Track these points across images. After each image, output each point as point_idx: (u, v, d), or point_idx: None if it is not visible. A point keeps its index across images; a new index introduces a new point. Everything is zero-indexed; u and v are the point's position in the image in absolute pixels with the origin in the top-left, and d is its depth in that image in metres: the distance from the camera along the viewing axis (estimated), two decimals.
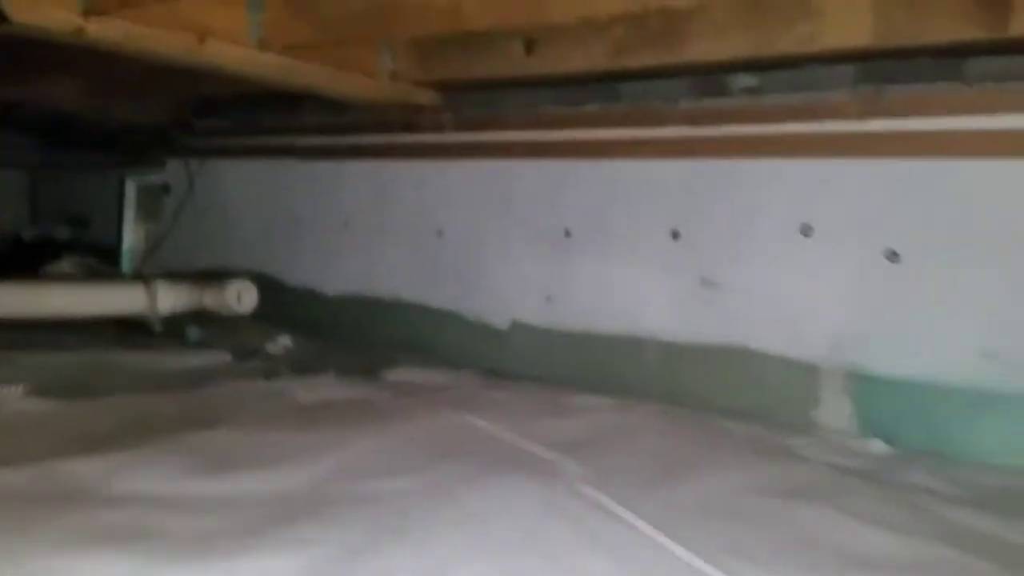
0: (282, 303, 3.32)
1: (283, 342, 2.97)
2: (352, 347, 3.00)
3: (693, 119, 2.32)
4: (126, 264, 4.65)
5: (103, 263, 4.34)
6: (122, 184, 4.73)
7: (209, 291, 2.83)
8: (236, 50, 2.35)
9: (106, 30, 2.11)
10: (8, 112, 4.39)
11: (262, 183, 3.43)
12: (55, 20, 2.04)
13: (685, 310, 2.27)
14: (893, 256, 1.91)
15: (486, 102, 2.81)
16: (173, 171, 3.85)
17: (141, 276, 2.71)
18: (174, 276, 3.02)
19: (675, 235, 2.30)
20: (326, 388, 2.32)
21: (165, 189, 3.89)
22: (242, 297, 2.84)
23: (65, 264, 3.52)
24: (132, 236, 4.70)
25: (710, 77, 2.34)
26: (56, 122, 4.55)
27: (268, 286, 3.35)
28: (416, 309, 2.92)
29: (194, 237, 3.73)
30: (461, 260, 2.80)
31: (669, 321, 2.30)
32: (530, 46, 2.42)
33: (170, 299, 2.72)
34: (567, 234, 2.53)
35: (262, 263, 3.41)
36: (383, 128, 3.02)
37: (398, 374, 2.55)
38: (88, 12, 2.05)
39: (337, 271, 3.16)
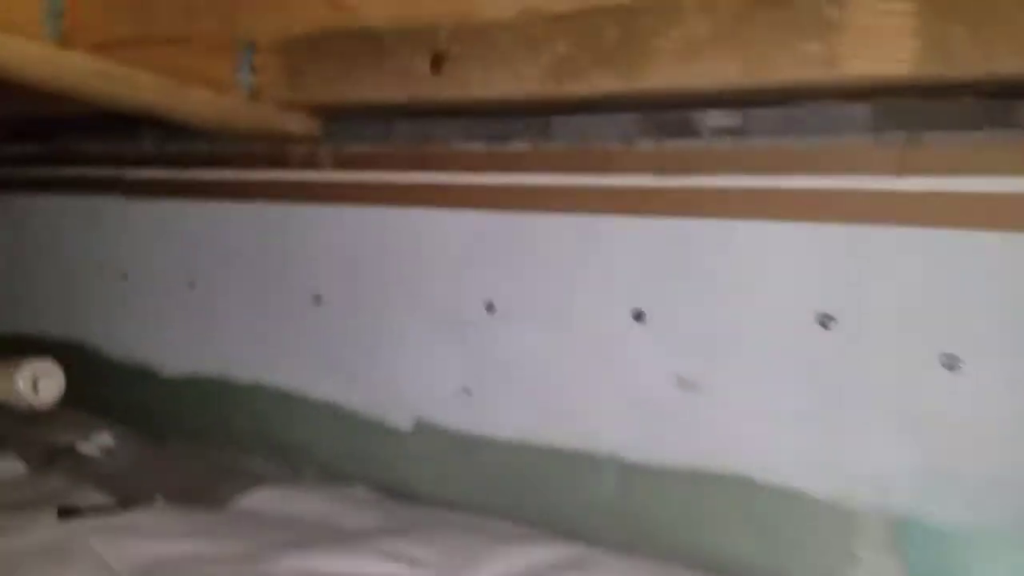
0: (103, 383, 2.55)
1: (101, 440, 2.22)
2: (195, 448, 2.28)
3: (656, 164, 1.78)
4: None
5: None
6: None
7: None
8: (21, 45, 1.64)
9: None
10: None
11: (81, 226, 2.66)
12: None
13: (655, 420, 1.70)
14: (952, 361, 1.41)
15: (377, 133, 2.19)
16: None
17: None
18: None
19: (638, 316, 1.73)
20: (147, 535, 1.61)
21: None
22: (40, 385, 2.07)
23: None
24: None
25: (677, 111, 1.82)
26: None
27: (84, 360, 2.58)
28: (283, 399, 2.23)
29: None
30: (346, 336, 2.14)
31: (632, 433, 1.72)
32: (438, 61, 1.82)
33: None
34: (490, 308, 1.93)
35: (78, 330, 2.63)
36: (244, 162, 2.34)
37: (257, 498, 1.87)
38: None
39: (178, 344, 2.43)
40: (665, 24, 1.58)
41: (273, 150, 2.29)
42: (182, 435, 2.39)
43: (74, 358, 2.56)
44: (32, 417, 2.22)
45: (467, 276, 1.97)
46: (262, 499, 1.84)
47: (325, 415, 2.15)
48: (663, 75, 1.58)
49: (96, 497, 1.81)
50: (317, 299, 2.20)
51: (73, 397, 2.29)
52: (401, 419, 2.04)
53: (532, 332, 1.89)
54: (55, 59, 1.69)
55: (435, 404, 2.00)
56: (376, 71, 1.88)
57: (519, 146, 1.95)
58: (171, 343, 2.44)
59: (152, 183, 2.51)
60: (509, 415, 1.90)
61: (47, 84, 1.83)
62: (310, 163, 2.25)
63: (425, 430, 2.01)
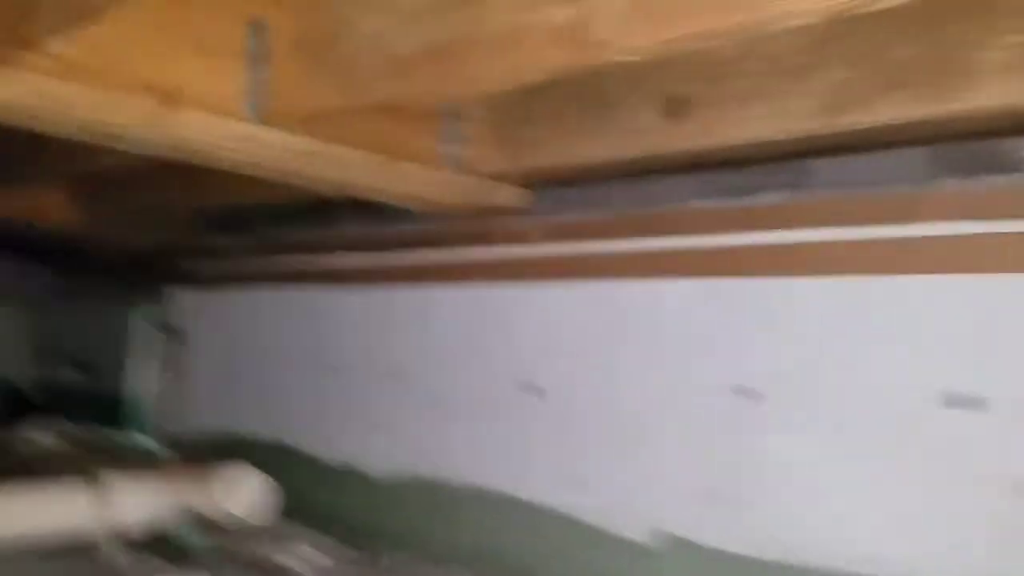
0: (309, 485, 2.38)
1: (308, 555, 2.03)
2: (410, 563, 2.04)
3: (966, 208, 1.40)
4: (131, 421, 3.80)
5: (97, 422, 3.50)
6: (126, 321, 3.95)
7: (193, 486, 1.92)
8: (222, 124, 1.52)
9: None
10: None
11: (284, 318, 2.57)
12: None
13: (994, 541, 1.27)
14: None
15: (593, 199, 1.93)
16: (178, 304, 3.03)
17: (87, 473, 1.81)
18: (150, 458, 2.13)
19: (955, 403, 1.33)
20: None
21: (167, 328, 3.06)
22: (238, 495, 1.91)
23: (31, 429, 2.66)
24: (138, 386, 3.87)
25: (982, 142, 1.44)
26: (56, 247, 3.83)
27: (289, 461, 2.44)
28: (505, 505, 1.95)
29: (200, 391, 2.86)
30: (571, 431, 1.86)
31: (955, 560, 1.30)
32: (676, 107, 1.54)
33: (130, 508, 1.80)
34: (748, 395, 1.58)
35: (282, 428, 2.51)
36: (448, 241, 2.15)
37: None
38: None
39: (386, 442, 2.23)
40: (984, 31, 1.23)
41: (479, 226, 2.09)
42: (394, 544, 2.16)
43: (278, 459, 2.44)
44: (235, 530, 2.06)
45: (714, 356, 1.63)
46: None
47: (552, 525, 1.85)
48: (988, 93, 1.22)
49: None
50: (536, 389, 1.93)
51: (285, 500, 2.13)
52: (636, 530, 1.70)
53: (798, 425, 1.52)
54: (258, 138, 1.56)
55: (676, 512, 1.65)
56: (598, 126, 1.63)
57: (770, 199, 1.62)
58: (378, 441, 2.25)
59: (355, 270, 2.38)
60: (767, 527, 1.52)
61: (249, 166, 1.72)
62: (519, 237, 2.02)
63: (668, 544, 1.66)
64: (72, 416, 3.57)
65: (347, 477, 2.31)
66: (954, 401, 1.31)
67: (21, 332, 4.33)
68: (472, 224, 2.10)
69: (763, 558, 1.53)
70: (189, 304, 2.94)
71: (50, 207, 3.00)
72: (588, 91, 1.63)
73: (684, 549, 1.64)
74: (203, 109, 1.49)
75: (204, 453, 2.70)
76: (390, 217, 2.34)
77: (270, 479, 1.95)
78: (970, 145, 1.43)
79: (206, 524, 2.01)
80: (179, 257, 3.09)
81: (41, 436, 2.61)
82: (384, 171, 1.77)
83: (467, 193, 1.91)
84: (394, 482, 2.19)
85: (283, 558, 1.95)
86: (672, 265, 1.74)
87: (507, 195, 1.99)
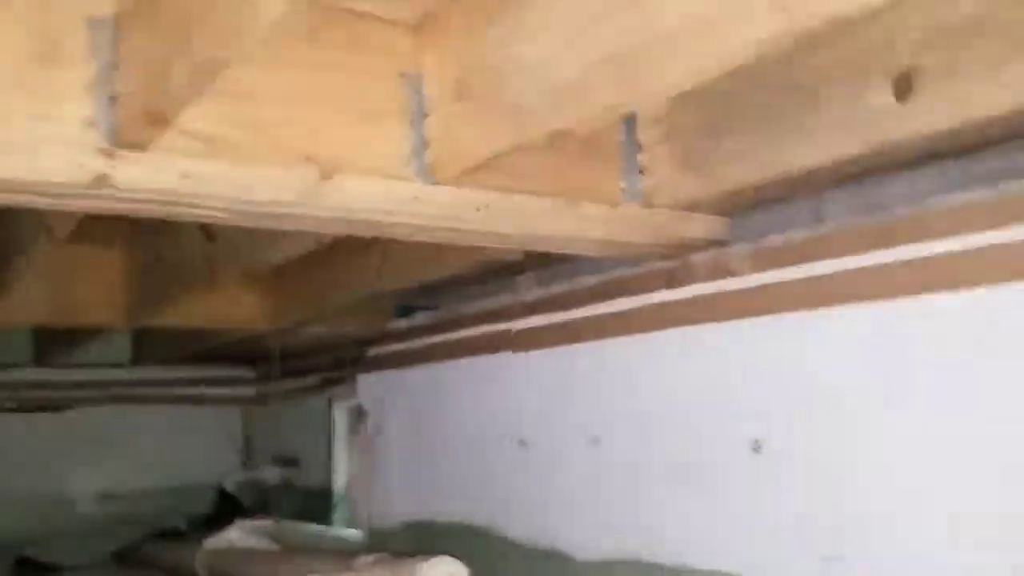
0: (514, 572, 2.19)
1: None
2: None
3: None
4: (339, 513, 3.80)
5: (306, 518, 3.50)
6: (329, 413, 3.99)
7: None
8: (387, 188, 1.40)
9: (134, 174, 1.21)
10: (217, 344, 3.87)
11: (473, 392, 2.43)
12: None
13: None
14: None
15: (804, 217, 1.67)
16: (368, 391, 2.98)
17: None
18: (352, 553, 2.02)
19: None
20: None
21: (359, 416, 3.01)
22: None
23: (234, 534, 2.65)
24: (344, 476, 3.88)
25: None
26: (252, 347, 3.96)
27: (490, 546, 2.26)
28: None
29: (394, 477, 2.76)
30: (807, 497, 1.55)
31: None
32: (907, 83, 1.26)
33: None
34: None
35: (478, 510, 2.33)
36: (639, 287, 1.93)
37: None
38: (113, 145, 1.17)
39: (588, 520, 2.00)
40: None
41: (672, 265, 1.87)
42: None
43: (476, 543, 2.26)
44: None
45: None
46: None
47: None
48: None
49: None
50: (756, 446, 1.65)
51: None
52: None
53: None
54: (426, 197, 1.43)
55: None
56: (805, 121, 1.38)
57: None
58: (581, 519, 2.02)
59: (540, 331, 2.21)
60: None
61: (421, 231, 1.59)
62: (720, 271, 1.77)
63: None
64: (281, 514, 3.61)
65: (550, 560, 2.09)
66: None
67: (228, 435, 4.49)
68: (666, 266, 1.88)
69: None
70: (378, 390, 2.88)
71: (238, 309, 3.06)
72: (790, 85, 1.39)
73: None
74: (365, 174, 1.39)
75: (402, 542, 2.58)
76: (573, 271, 2.17)
77: (468, 569, 1.78)
78: None
79: None
80: (368, 344, 3.07)
81: (244, 538, 2.59)
82: (562, 216, 1.60)
83: (656, 229, 1.70)
84: (602, 564, 1.95)
85: None
86: (921, 280, 1.43)
87: (700, 226, 1.76)
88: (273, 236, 2.10)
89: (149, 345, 4.38)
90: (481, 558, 2.20)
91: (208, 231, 2.41)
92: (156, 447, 4.22)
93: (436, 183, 1.42)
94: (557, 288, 2.21)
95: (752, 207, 1.75)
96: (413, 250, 2.38)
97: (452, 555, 2.14)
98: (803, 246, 1.62)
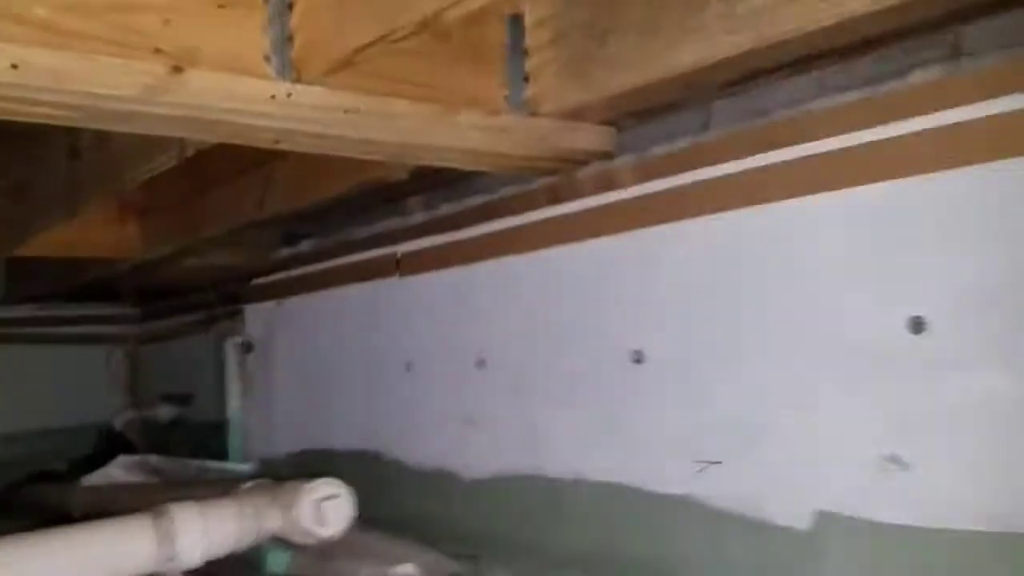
0: (399, 495, 2.16)
1: (403, 570, 1.78)
2: (527, 568, 1.77)
3: None
4: (234, 447, 3.67)
5: (201, 455, 3.37)
6: (220, 346, 3.84)
7: (275, 508, 1.71)
8: (249, 87, 1.29)
9: None
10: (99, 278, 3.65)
11: (362, 318, 2.35)
12: None
13: None
14: None
15: (690, 125, 1.64)
16: (255, 322, 2.87)
17: (153, 507, 1.61)
18: (236, 484, 1.94)
19: None
20: None
21: (246, 347, 2.90)
22: (326, 512, 1.69)
23: (114, 470, 2.52)
24: (237, 410, 3.74)
25: None
26: (131, 281, 3.76)
27: (377, 470, 2.22)
28: (618, 497, 1.66)
29: (284, 408, 2.68)
30: (689, 402, 1.56)
31: None
32: None
33: (199, 539, 1.59)
34: (917, 328, 1.25)
35: (366, 435, 2.28)
36: (525, 204, 1.88)
37: None
38: None
39: (478, 440, 1.98)
40: None
41: (559, 181, 1.82)
42: (497, 551, 1.90)
43: (368, 468, 2.22)
44: (320, 550, 1.84)
45: (886, 284, 1.30)
46: None
47: (680, 516, 1.55)
48: None
49: None
50: (643, 358, 1.64)
51: (367, 516, 1.91)
52: (789, 513, 1.38)
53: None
54: (288, 98, 1.33)
55: (842, 485, 1.33)
56: (689, 20, 1.33)
57: (922, 77, 1.30)
58: (469, 439, 2.00)
59: (426, 254, 2.14)
60: (968, 497, 1.19)
61: (285, 136, 1.49)
62: (605, 184, 1.73)
63: (834, 526, 1.34)
64: (175, 453, 3.48)
65: (440, 481, 2.06)
66: None
67: (113, 375, 4.29)
68: (551, 182, 1.83)
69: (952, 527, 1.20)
70: (265, 321, 2.77)
71: (109, 238, 2.88)
72: None
73: (851, 529, 1.31)
74: (221, 69, 1.27)
75: (292, 471, 2.51)
76: (461, 193, 2.11)
77: (354, 491, 1.73)
78: None
79: (290, 546, 1.81)
80: (254, 275, 2.94)
81: (126, 475, 2.47)
82: (439, 124, 1.52)
83: (540, 140, 1.64)
84: (492, 483, 1.93)
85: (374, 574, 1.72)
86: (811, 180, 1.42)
87: (587, 137, 1.71)
88: (137, 151, 1.96)
89: (23, 281, 4.11)
90: (370, 482, 2.15)
91: (73, 148, 2.24)
92: (35, 389, 3.99)
93: (300, 82, 1.32)
94: (444, 210, 2.14)
95: (639, 118, 1.71)
96: (296, 175, 2.28)
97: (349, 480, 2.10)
98: (687, 154, 1.59)
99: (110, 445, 4.03)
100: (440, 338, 2.07)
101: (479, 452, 1.95)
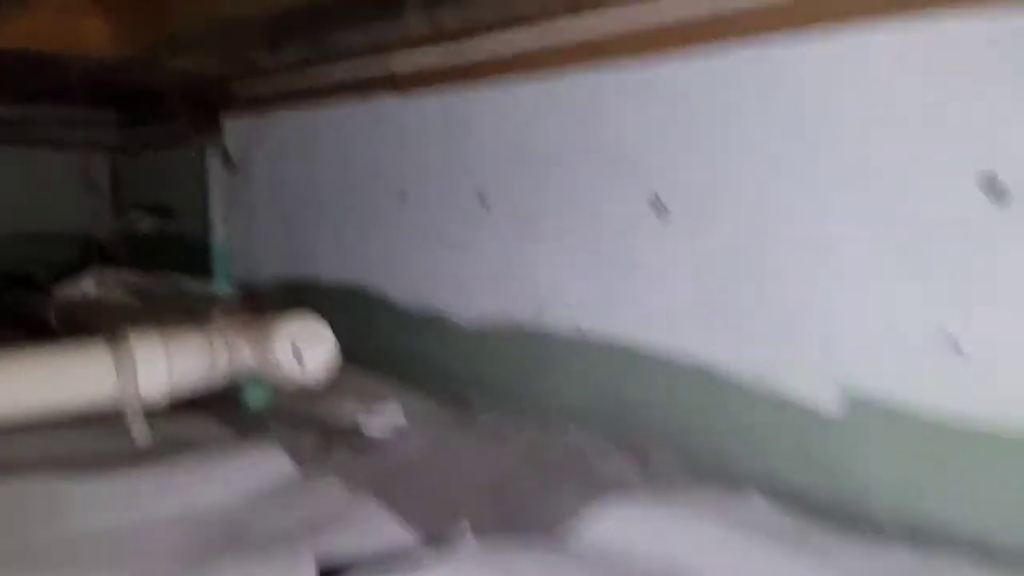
0: (387, 335, 2.03)
1: (388, 415, 1.68)
2: (505, 421, 1.67)
3: None
4: (219, 268, 3.53)
5: (182, 271, 3.24)
6: (203, 160, 3.62)
7: (250, 343, 1.57)
8: None
9: None
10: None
11: (353, 139, 2.14)
12: None
13: None
14: None
15: None
16: (237, 135, 2.64)
17: (112, 333, 1.46)
18: (209, 309, 1.80)
19: None
20: None
21: (228, 163, 2.70)
22: (305, 354, 1.55)
23: (88, 284, 2.38)
24: (221, 228, 3.57)
25: None
26: (108, 83, 3.48)
27: (364, 307, 2.08)
28: (622, 355, 1.53)
29: (266, 231, 2.51)
30: (713, 261, 1.39)
31: None
32: None
33: (160, 372, 1.45)
34: (990, 188, 1.06)
35: (354, 269, 2.13)
36: (536, 17, 1.62)
37: (612, 522, 1.19)
38: None
39: (475, 283, 1.82)
40: None
41: None
42: (487, 400, 1.79)
43: (354, 304, 2.08)
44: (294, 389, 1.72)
45: (955, 138, 1.10)
46: (620, 524, 1.17)
47: (687, 380, 1.42)
48: None
49: (383, 527, 1.23)
50: (656, 202, 1.45)
51: (352, 355, 1.78)
52: (822, 393, 1.25)
53: None
54: None
55: (890, 367, 1.18)
56: None
57: None
58: (466, 281, 1.84)
59: (427, 72, 1.90)
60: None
61: None
62: None
63: (872, 412, 1.20)
64: (156, 266, 3.35)
65: (430, 321, 1.93)
66: None
67: (93, 183, 4.08)
68: None
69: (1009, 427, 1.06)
70: (246, 135, 2.55)
71: (87, 32, 2.61)
72: None
73: (887, 416, 1.18)
74: None
75: (273, 301, 2.38)
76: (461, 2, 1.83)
77: (333, 334, 1.59)
78: None
79: (266, 384, 1.70)
80: (234, 82, 2.68)
81: (100, 288, 2.33)
82: None
83: None
84: (484, 327, 1.80)
85: (355, 418, 1.60)
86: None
87: None
88: None
89: None
90: (355, 316, 2.03)
91: None
92: (10, 192, 3.79)
93: None
94: (448, 21, 1.87)
95: None
96: None
97: (328, 319, 1.97)
98: None
99: (91, 255, 3.90)
100: (439, 168, 1.87)
101: (475, 295, 1.80)
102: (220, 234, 3.56)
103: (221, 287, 2.80)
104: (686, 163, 1.39)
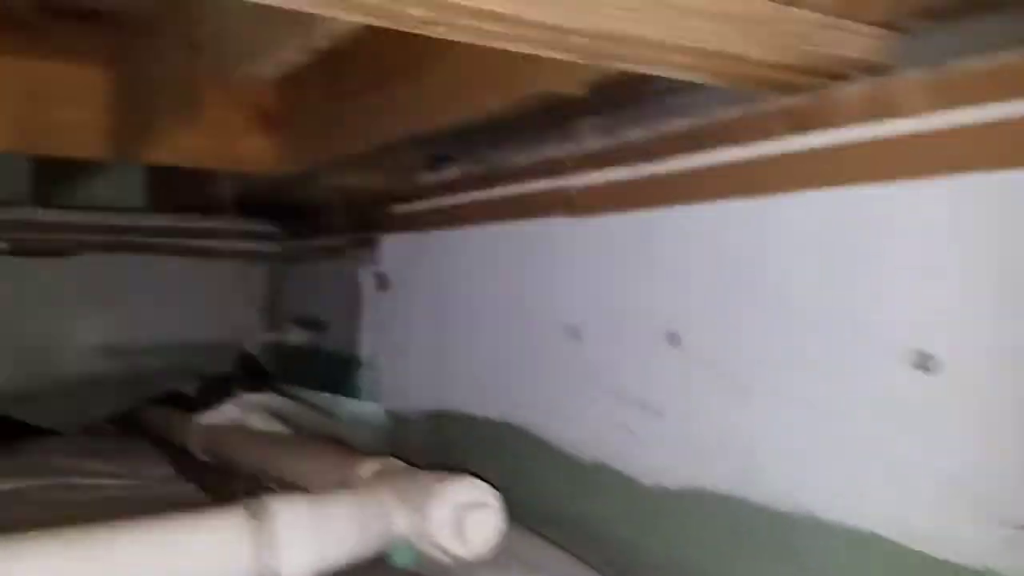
0: (547, 484, 1.76)
1: None
2: None
3: None
4: (364, 383, 3.41)
5: (329, 386, 3.13)
6: (356, 276, 3.56)
7: (402, 510, 1.34)
8: None
9: None
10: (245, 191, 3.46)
11: (514, 264, 1.94)
12: None
13: None
14: None
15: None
16: (392, 255, 2.53)
17: (248, 496, 1.28)
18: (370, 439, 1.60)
19: None
20: None
21: (381, 282, 2.58)
22: (468, 528, 1.30)
23: (233, 410, 2.27)
24: (370, 346, 3.47)
25: None
26: (269, 198, 3.54)
27: (521, 450, 1.83)
28: (838, 533, 1.20)
29: (417, 358, 2.34)
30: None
31: None
32: None
33: (307, 550, 1.22)
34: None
35: (517, 407, 1.89)
36: (755, 132, 1.39)
37: None
38: None
39: (660, 437, 1.54)
40: None
41: (808, 102, 1.31)
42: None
43: (505, 446, 1.85)
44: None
45: None
46: None
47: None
48: None
49: None
50: (920, 359, 1.15)
51: (504, 501, 1.52)
52: None
53: None
54: None
55: None
56: None
57: None
58: (648, 434, 1.56)
59: (605, 190, 1.69)
60: None
61: (443, 18, 1.06)
62: (884, 108, 1.21)
63: None
64: (305, 381, 3.26)
65: (602, 477, 1.65)
66: None
67: (249, 293, 4.11)
68: (794, 103, 1.33)
69: None
70: (403, 255, 2.42)
71: (248, 150, 2.62)
72: None
73: None
74: None
75: (423, 434, 2.18)
76: (650, 114, 1.64)
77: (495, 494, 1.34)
78: None
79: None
80: (393, 199, 2.59)
81: (246, 415, 2.21)
82: (657, 8, 1.06)
83: (801, 40, 1.15)
84: (677, 495, 1.50)
85: None
86: None
87: (860, 42, 1.20)
88: (259, 42, 1.61)
89: (162, 190, 3.98)
90: (511, 465, 1.79)
91: (191, 40, 1.93)
92: (169, 301, 3.84)
93: None
94: (630, 135, 1.67)
95: (931, 17, 1.20)
96: (447, 85, 1.89)
97: (480, 462, 1.73)
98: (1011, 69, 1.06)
99: (243, 368, 3.89)
100: (617, 300, 1.63)
101: (662, 453, 1.51)
102: (369, 353, 3.46)
103: (373, 414, 2.64)
104: (960, 314, 1.09)
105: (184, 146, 2.45)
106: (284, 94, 2.53)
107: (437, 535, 1.29)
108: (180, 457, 2.41)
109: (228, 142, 2.52)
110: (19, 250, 3.41)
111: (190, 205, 3.86)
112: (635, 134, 1.62)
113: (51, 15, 2.09)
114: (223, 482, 2.04)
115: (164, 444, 2.61)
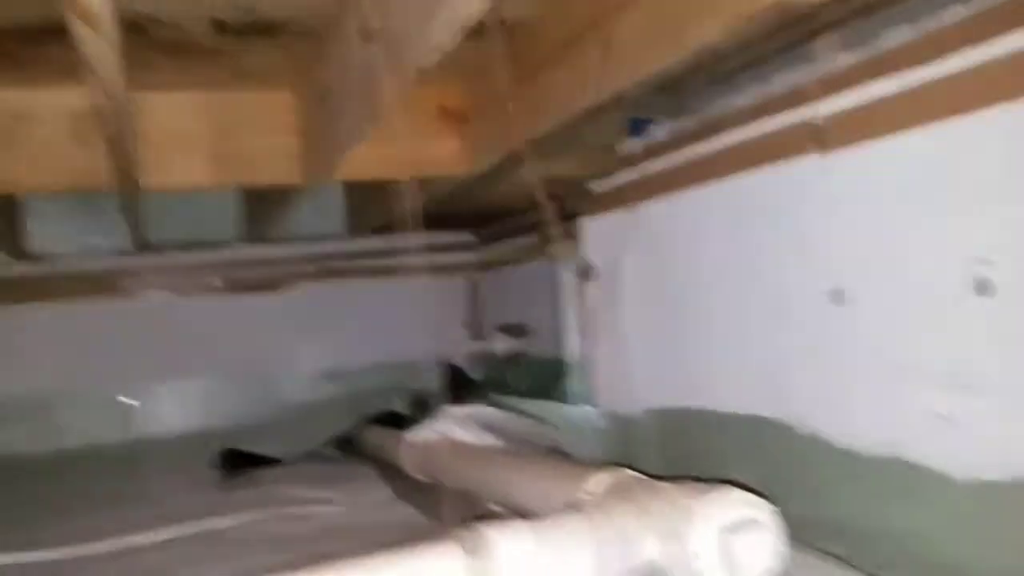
0: (828, 491, 1.42)
1: None
2: None
3: None
4: (574, 392, 3.18)
5: (539, 392, 2.94)
6: (556, 272, 3.35)
7: (647, 536, 1.07)
8: None
9: None
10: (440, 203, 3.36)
11: (750, 221, 1.62)
12: None
13: None
14: None
15: None
16: (595, 237, 2.27)
17: (464, 522, 1.06)
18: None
19: None
20: None
21: (583, 272, 2.33)
22: (737, 555, 1.01)
23: (441, 424, 2.11)
24: (576, 345, 3.24)
25: None
26: (475, 205, 3.39)
27: (785, 449, 1.50)
28: None
29: (635, 349, 2.06)
30: None
31: None
32: None
33: None
34: None
35: (770, 395, 1.56)
36: None
37: None
38: None
39: (975, 416, 1.17)
40: None
41: None
42: None
43: (763, 447, 1.52)
44: None
45: None
46: None
47: None
48: None
49: None
50: None
51: (792, 513, 1.20)
52: None
53: None
54: None
55: None
56: None
57: None
58: (958, 414, 1.19)
59: (862, 113, 1.33)
60: None
61: None
62: None
63: None
64: (513, 391, 3.11)
65: (903, 476, 1.29)
66: None
67: (452, 306, 4.03)
68: None
69: None
70: (608, 237, 2.16)
71: (438, 154, 2.48)
72: None
73: None
74: None
75: (650, 435, 1.90)
76: (902, 17, 1.27)
77: (778, 515, 1.04)
78: None
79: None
80: (593, 178, 2.34)
81: (454, 429, 2.04)
82: None
83: None
84: (984, 486, 1.12)
85: None
86: None
87: None
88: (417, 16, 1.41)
89: (358, 213, 3.98)
90: (781, 472, 1.46)
91: (362, 28, 1.78)
92: (376, 322, 3.85)
93: None
94: (888, 41, 1.31)
95: None
96: (643, 28, 1.62)
97: (733, 468, 1.43)
98: None
99: (452, 381, 3.81)
100: (896, 248, 1.27)
101: (976, 437, 1.14)
102: (574, 354, 3.22)
103: (587, 418, 2.41)
104: None
105: (373, 158, 2.33)
106: (465, 89, 2.38)
107: (700, 565, 1.01)
108: (397, 478, 2.29)
109: (416, 147, 2.40)
110: (234, 287, 3.51)
111: (383, 225, 3.84)
112: (900, 34, 1.26)
113: (227, 34, 2.03)
114: (439, 502, 1.88)
115: (382, 465, 2.51)
